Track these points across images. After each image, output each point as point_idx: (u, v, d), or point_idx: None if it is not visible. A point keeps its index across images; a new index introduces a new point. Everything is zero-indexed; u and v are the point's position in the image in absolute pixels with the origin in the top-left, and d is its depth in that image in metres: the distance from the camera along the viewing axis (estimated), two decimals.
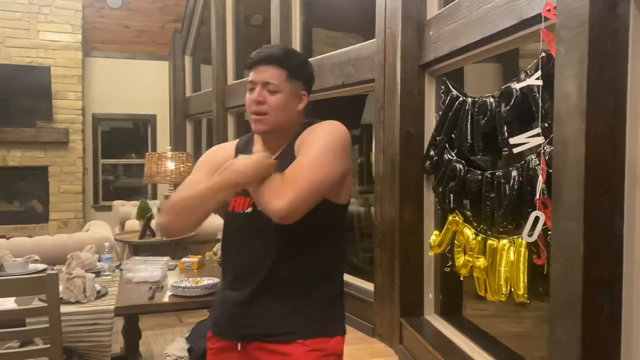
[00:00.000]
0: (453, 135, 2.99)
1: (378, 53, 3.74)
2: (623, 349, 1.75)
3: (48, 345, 1.93)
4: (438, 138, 3.13)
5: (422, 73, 3.40)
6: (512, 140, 2.22)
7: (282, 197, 1.29)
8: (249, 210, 1.45)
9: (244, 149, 1.54)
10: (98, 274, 2.73)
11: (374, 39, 3.83)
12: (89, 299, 2.30)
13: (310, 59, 4.78)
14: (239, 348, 1.45)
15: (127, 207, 5.74)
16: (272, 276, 1.43)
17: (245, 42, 6.80)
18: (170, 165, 4.21)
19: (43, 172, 7.30)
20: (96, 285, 2.41)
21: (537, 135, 2.11)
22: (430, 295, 3.49)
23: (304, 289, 1.45)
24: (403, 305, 3.53)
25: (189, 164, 4.28)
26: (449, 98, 3.03)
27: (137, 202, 6.32)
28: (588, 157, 1.73)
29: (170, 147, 5.11)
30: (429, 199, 3.41)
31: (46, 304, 1.89)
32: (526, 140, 2.13)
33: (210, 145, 7.50)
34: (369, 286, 4.05)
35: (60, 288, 2.20)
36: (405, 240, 3.51)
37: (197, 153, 8.21)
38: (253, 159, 1.37)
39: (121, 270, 2.79)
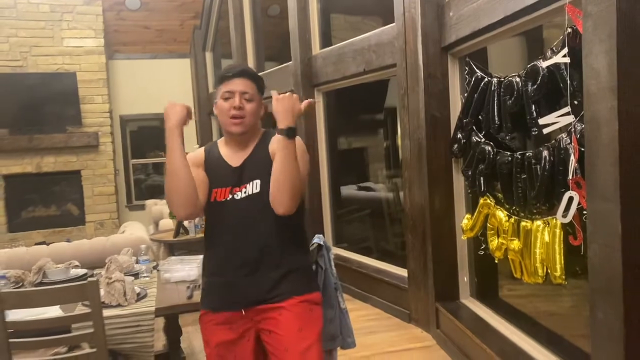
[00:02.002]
0: (480, 117, 2.94)
1: (399, 37, 3.69)
2: None
3: (94, 350, 2.00)
4: (465, 120, 3.08)
5: (445, 55, 3.35)
6: (541, 121, 2.18)
7: (294, 200, 1.70)
8: (229, 197, 1.78)
9: (210, 151, 1.90)
10: (136, 276, 2.80)
11: (394, 23, 3.78)
12: (130, 302, 2.36)
13: (330, 47, 4.75)
14: (243, 313, 1.77)
15: (160, 206, 5.85)
16: (264, 252, 1.76)
17: (264, 34, 6.80)
18: None
19: (76, 176, 7.50)
20: (136, 287, 2.48)
21: (567, 114, 2.06)
22: (465, 279, 3.47)
23: (288, 258, 1.79)
24: (438, 290, 3.52)
25: None
26: (473, 79, 2.97)
27: None
28: (622, 135, 1.68)
29: (197, 146, 5.16)
30: (459, 182, 3.38)
31: (90, 310, 1.95)
32: (556, 120, 2.08)
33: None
34: (403, 272, 4.05)
35: (102, 292, 2.27)
36: (436, 225, 3.49)
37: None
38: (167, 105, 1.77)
39: (158, 271, 2.86)
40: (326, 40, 5.09)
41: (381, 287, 4.24)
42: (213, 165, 1.85)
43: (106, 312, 2.21)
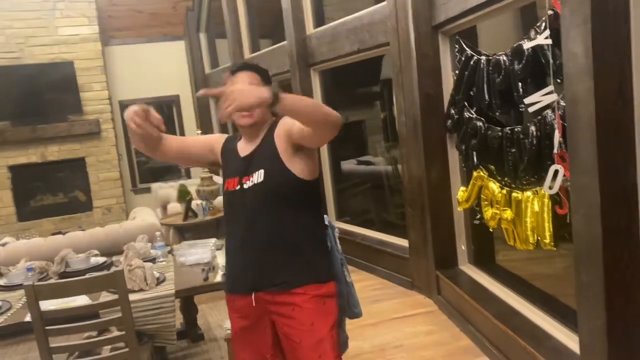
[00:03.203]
0: (471, 94, 3.07)
1: (390, 17, 3.79)
2: None
3: (123, 332, 2.18)
4: (457, 97, 3.22)
5: (436, 34, 3.45)
6: (526, 100, 2.31)
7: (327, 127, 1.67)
8: (238, 187, 1.85)
9: (230, 140, 1.98)
10: (153, 260, 2.98)
11: (385, 2, 3.87)
12: (151, 286, 2.54)
13: (325, 26, 4.79)
14: (252, 298, 1.81)
15: (165, 190, 6.01)
16: (270, 240, 1.80)
17: (257, 11, 6.83)
18: None
19: (81, 163, 7.64)
20: (155, 272, 2.65)
21: (551, 92, 2.19)
22: (463, 247, 3.65)
23: (295, 245, 1.81)
24: (437, 258, 3.71)
25: None
26: (464, 57, 3.09)
27: (173, 184, 6.61)
28: (598, 114, 1.82)
29: (199, 132, 5.30)
30: (453, 156, 3.52)
31: (117, 296, 2.12)
32: (540, 99, 2.22)
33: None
34: (404, 242, 4.23)
35: None
36: (433, 198, 3.65)
37: (224, 130, 8.40)
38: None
39: (173, 255, 3.03)
40: (319, 20, 5.16)
41: (384, 258, 4.43)
42: (227, 155, 1.93)
43: (130, 297, 2.38)
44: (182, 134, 8.49)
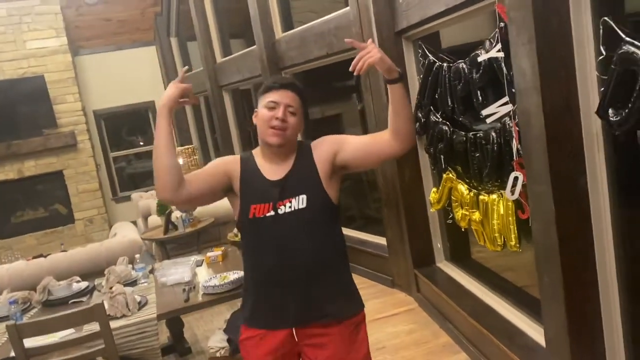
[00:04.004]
0: (436, 97, 3.14)
1: (355, 22, 3.83)
2: (601, 290, 1.99)
3: None
4: (423, 101, 3.29)
5: (399, 39, 3.51)
6: (484, 112, 2.39)
7: (413, 135, 1.77)
8: (270, 214, 1.71)
9: (247, 161, 1.81)
10: (134, 282, 3.03)
11: (349, 8, 3.91)
12: (133, 312, 2.60)
13: (293, 30, 4.80)
14: (295, 337, 1.75)
15: (146, 200, 6.02)
16: (311, 269, 1.72)
17: (226, 12, 6.82)
18: (179, 161, 4.43)
19: (59, 176, 7.61)
20: (136, 296, 2.71)
21: (506, 103, 2.27)
22: (439, 245, 3.75)
23: (336, 272, 1.78)
24: (415, 257, 3.80)
25: (195, 156, 4.49)
26: (426, 62, 3.17)
27: (154, 192, 6.62)
28: (548, 127, 1.91)
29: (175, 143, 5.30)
30: (424, 158, 3.60)
31: (99, 329, 2.18)
32: (497, 110, 2.30)
33: (212, 124, 7.67)
34: (384, 241, 4.32)
35: (106, 306, 2.50)
36: (407, 198, 3.74)
37: (201, 132, 8.41)
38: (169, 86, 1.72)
39: (155, 275, 3.08)
40: (288, 24, 5.18)
41: (365, 257, 4.53)
42: (249, 178, 1.76)
43: (112, 324, 2.44)
44: None
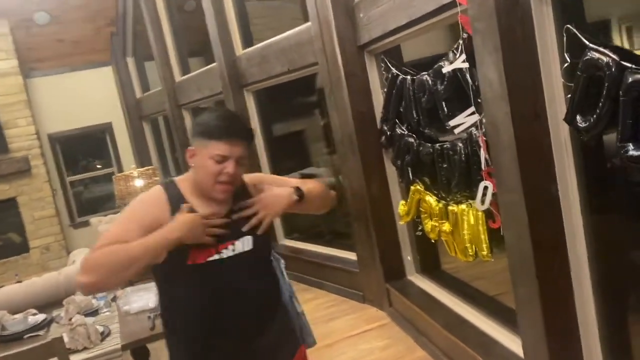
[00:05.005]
0: (401, 110, 3.14)
1: (316, 38, 3.82)
2: (576, 297, 1.99)
3: None
4: (388, 115, 3.28)
5: (362, 53, 3.51)
6: (451, 122, 2.39)
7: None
8: (213, 258, 1.55)
9: (174, 199, 1.58)
10: (96, 312, 2.88)
11: (310, 23, 3.89)
12: (95, 343, 2.45)
13: (254, 47, 4.75)
14: None
15: (106, 225, 5.80)
16: (259, 314, 1.64)
17: (184, 30, 6.73)
18: (139, 182, 4.30)
19: (12, 203, 7.27)
20: (98, 327, 2.56)
21: (473, 113, 2.28)
22: (409, 258, 3.73)
23: (281, 317, 1.75)
24: (386, 270, 3.77)
25: (156, 177, 4.36)
26: (390, 76, 3.17)
27: (113, 216, 6.40)
28: (517, 135, 1.91)
29: (134, 166, 5.15)
30: (391, 171, 3.59)
31: None
32: (464, 120, 2.30)
33: (172, 143, 7.50)
34: (353, 256, 4.27)
35: (66, 339, 2.35)
36: (376, 212, 3.71)
37: (161, 153, 8.22)
38: (190, 217, 1.51)
39: (117, 303, 2.94)
40: (248, 40, 5.13)
41: (334, 273, 4.46)
42: None
43: (74, 357, 2.30)
44: (119, 163, 8.24)
